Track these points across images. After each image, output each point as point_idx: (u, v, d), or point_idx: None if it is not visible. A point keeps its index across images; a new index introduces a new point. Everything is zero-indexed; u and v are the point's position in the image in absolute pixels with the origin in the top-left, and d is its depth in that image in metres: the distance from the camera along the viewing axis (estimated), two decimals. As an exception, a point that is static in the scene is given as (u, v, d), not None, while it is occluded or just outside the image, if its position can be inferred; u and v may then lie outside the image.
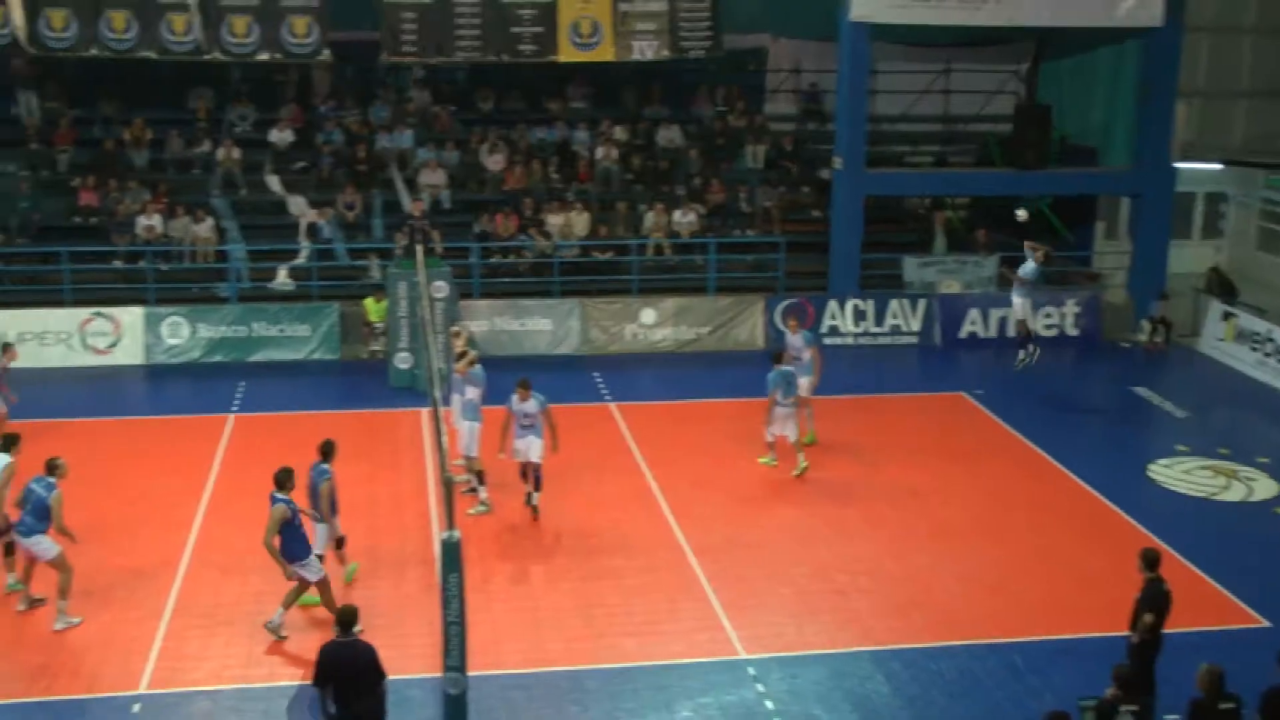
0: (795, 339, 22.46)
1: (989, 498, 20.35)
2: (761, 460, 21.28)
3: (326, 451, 16.59)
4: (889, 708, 14.57)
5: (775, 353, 21.68)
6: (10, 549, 16.69)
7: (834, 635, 16.07)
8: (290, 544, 15.49)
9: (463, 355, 20.05)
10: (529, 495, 19.28)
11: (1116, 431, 23.96)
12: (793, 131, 33.76)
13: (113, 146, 30.27)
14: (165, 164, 30.60)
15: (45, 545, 15.95)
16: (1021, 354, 24.64)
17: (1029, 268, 23.82)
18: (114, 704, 14.44)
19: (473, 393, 19.68)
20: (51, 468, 16.27)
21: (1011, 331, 27.27)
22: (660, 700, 14.62)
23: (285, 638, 15.75)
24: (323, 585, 15.83)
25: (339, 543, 16.95)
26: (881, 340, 28.78)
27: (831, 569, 17.74)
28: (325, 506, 16.40)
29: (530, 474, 19.30)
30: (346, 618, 12.75)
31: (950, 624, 16.31)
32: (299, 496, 15.86)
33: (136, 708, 14.37)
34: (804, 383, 21.71)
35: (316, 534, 16.34)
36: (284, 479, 15.56)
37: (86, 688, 14.73)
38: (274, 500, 15.41)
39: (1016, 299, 24.41)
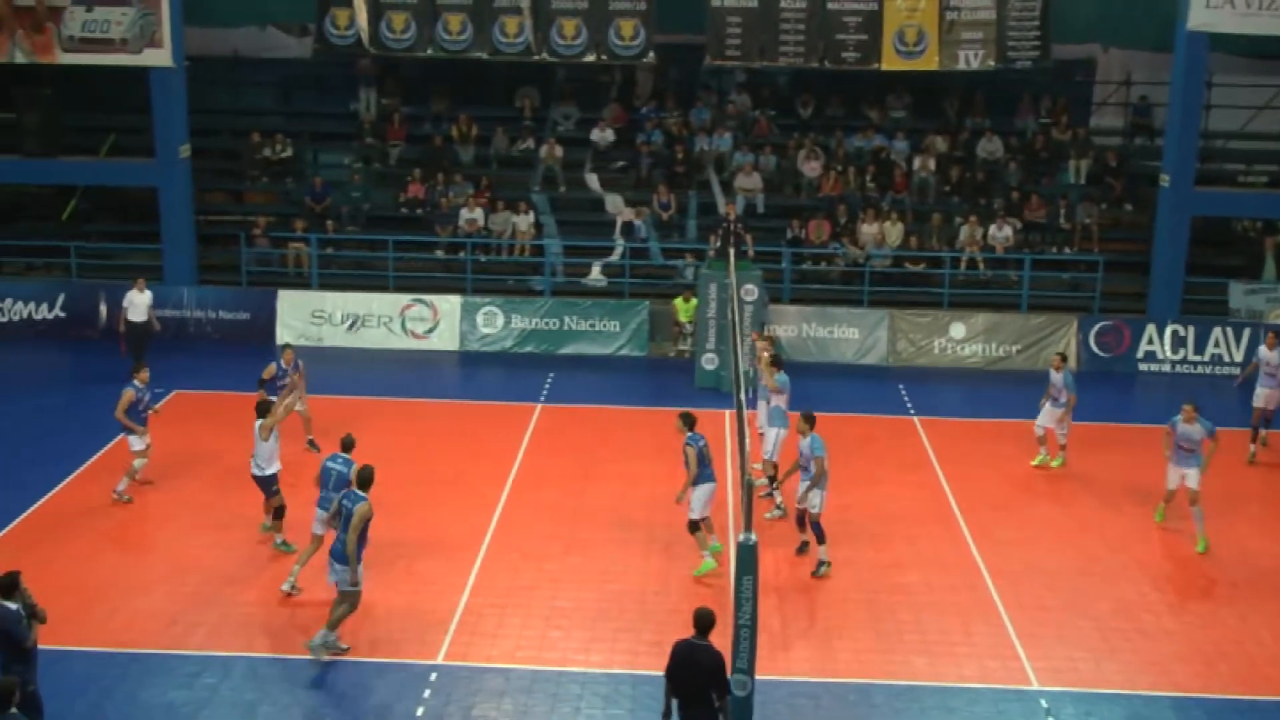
0: (1057, 377, 21.74)
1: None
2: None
3: (364, 481, 15.54)
4: (1190, 755, 13.95)
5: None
6: (281, 512, 17.89)
7: (1134, 676, 15.43)
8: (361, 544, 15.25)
9: (768, 361, 20.10)
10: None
11: None
12: (1119, 146, 32.58)
13: (441, 142, 31.54)
14: (489, 160, 31.70)
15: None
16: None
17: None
18: (413, 671, 15.07)
19: (779, 399, 19.74)
20: (347, 445, 16.75)
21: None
22: (947, 723, 14.36)
23: (346, 649, 15.44)
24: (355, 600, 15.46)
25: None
26: (1201, 370, 27.48)
27: (1136, 608, 17.03)
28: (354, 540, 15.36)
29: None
30: (703, 621, 12.55)
31: (1260, 678, 15.45)
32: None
33: (433, 677, 14.95)
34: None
35: None
36: (368, 478, 15.36)
37: (388, 652, 15.39)
38: (359, 499, 15.13)
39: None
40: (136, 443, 19.73)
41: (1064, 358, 22.19)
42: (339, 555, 15.11)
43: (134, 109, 29.56)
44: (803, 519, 17.90)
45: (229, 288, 28.82)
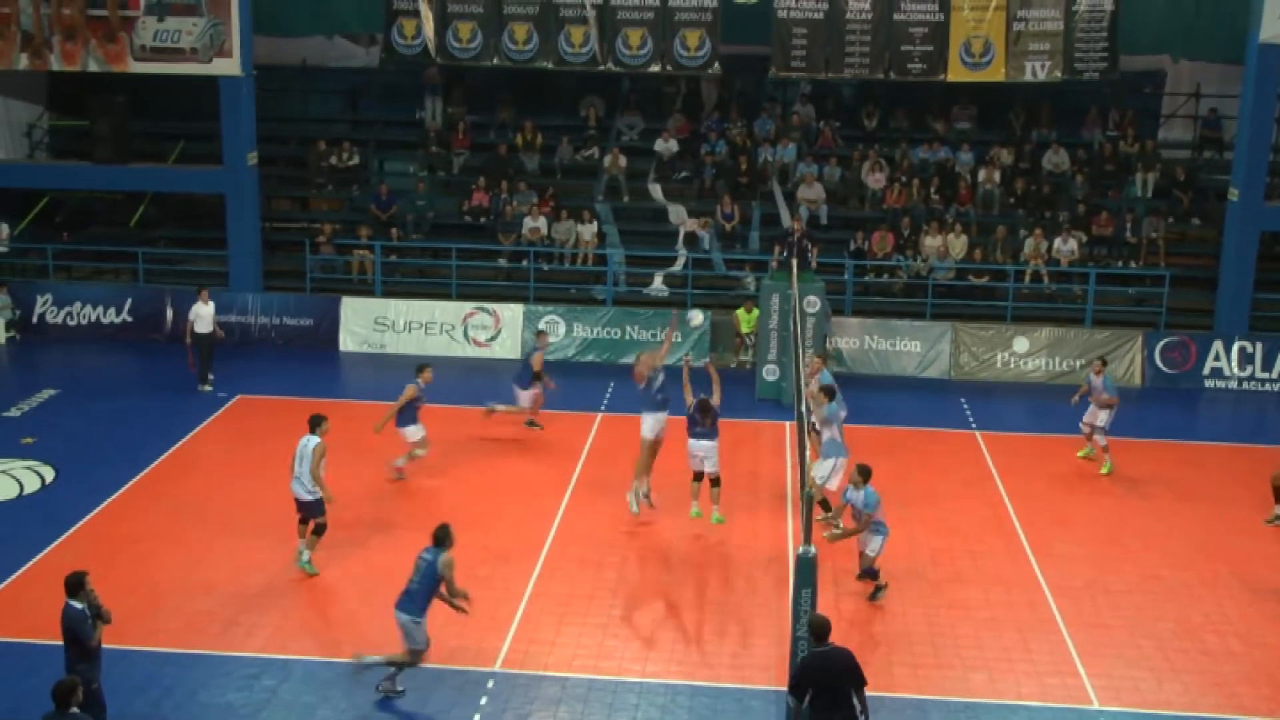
0: (1097, 381, 22.13)
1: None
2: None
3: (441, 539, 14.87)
4: (1251, 778, 13.76)
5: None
6: (322, 530, 17.65)
7: (1196, 698, 15.21)
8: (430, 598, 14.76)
9: (816, 391, 19.62)
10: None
11: None
12: (1187, 160, 32.23)
13: (505, 151, 31.70)
14: (554, 169, 31.82)
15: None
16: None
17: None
18: (470, 677, 15.14)
19: (829, 430, 19.39)
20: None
21: None
22: (1006, 740, 14.25)
23: (402, 691, 14.90)
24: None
25: None
26: (1269, 387, 27.10)
27: (1200, 628, 16.80)
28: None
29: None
30: (820, 628, 12.66)
31: (1328, 699, 15.20)
32: None
33: (490, 684, 15.00)
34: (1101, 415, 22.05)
35: None
36: (445, 535, 14.72)
37: (446, 659, 15.43)
38: (439, 552, 14.55)
39: None
40: (414, 433, 20.56)
41: (1104, 362, 22.61)
42: (410, 609, 14.54)
43: (203, 117, 29.91)
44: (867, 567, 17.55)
45: (293, 294, 29.08)
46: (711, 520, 19.27)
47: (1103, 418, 21.95)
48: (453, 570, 14.55)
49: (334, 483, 17.92)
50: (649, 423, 19.63)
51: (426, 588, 14.54)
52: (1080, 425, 22.37)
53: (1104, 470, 21.85)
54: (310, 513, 17.60)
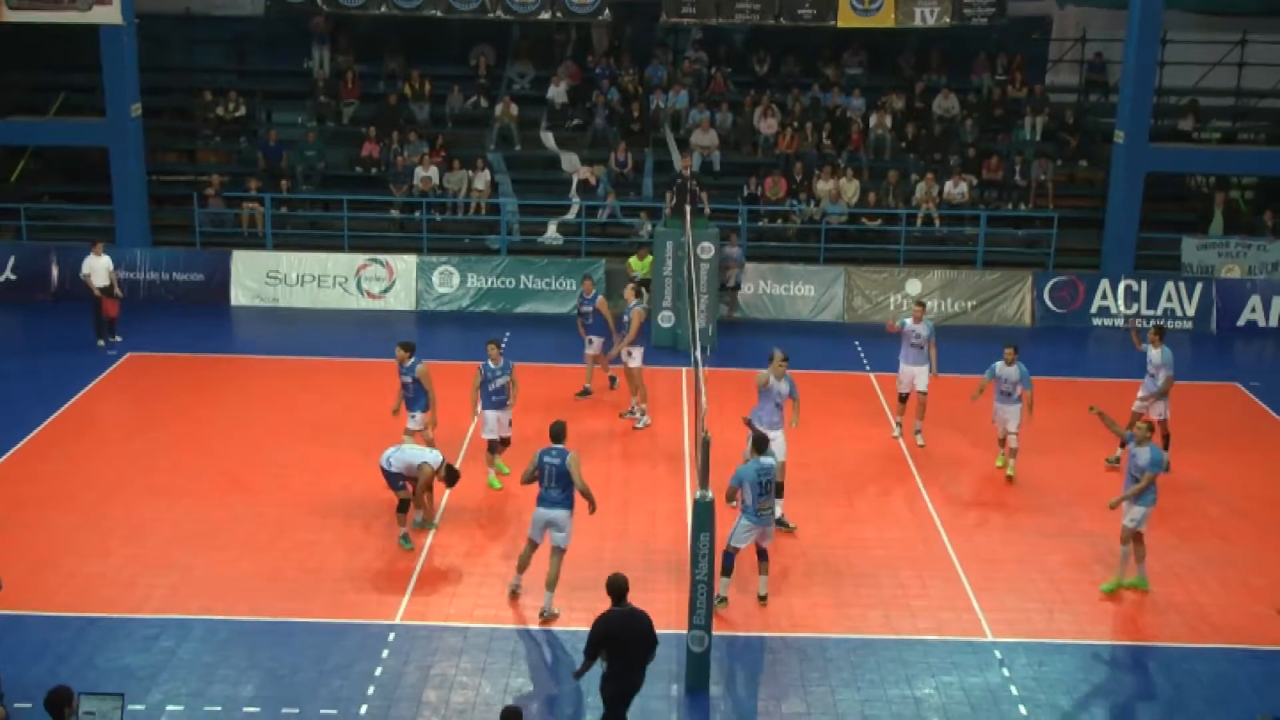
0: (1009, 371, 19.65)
1: (1261, 496, 19.41)
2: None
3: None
4: (1138, 705, 14.14)
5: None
6: (405, 506, 17.09)
7: (1086, 627, 15.64)
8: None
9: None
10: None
11: None
12: (1074, 103, 32.72)
13: (395, 100, 31.34)
14: (444, 118, 31.53)
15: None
16: None
17: None
18: (370, 631, 15.09)
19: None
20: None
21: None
22: (902, 675, 14.50)
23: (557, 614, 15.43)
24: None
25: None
26: (1154, 324, 27.66)
27: (1088, 560, 17.22)
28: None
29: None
30: (618, 589, 12.65)
31: (1210, 625, 15.67)
32: None
33: (391, 637, 14.98)
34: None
35: None
36: (560, 431, 15.33)
37: (346, 613, 15.42)
38: (566, 452, 15.14)
39: None
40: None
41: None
42: (559, 517, 15.19)
43: (84, 68, 29.23)
44: None
45: (183, 249, 28.58)
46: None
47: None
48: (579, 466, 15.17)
49: (234, 431, 17.72)
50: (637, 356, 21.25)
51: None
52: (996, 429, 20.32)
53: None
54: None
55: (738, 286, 27.44)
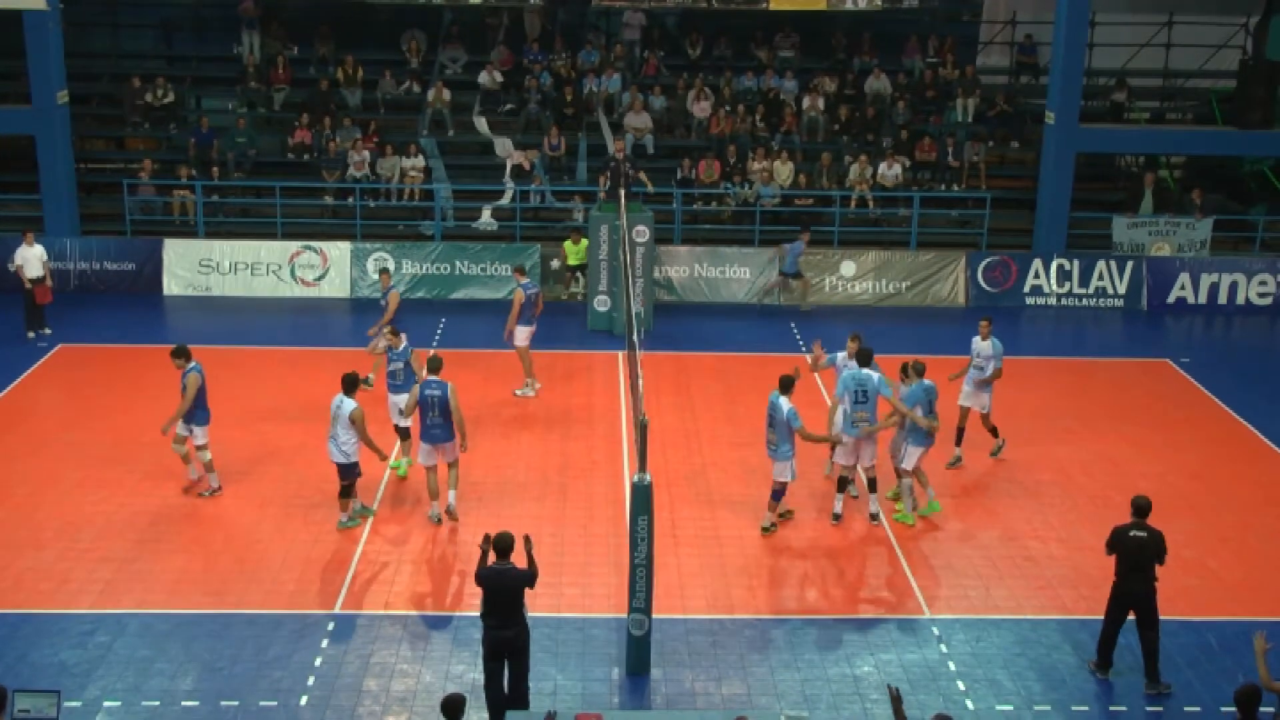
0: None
1: (1190, 471, 19.72)
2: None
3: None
4: (1075, 678, 14.32)
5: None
6: (348, 492, 17.20)
7: (1021, 601, 15.84)
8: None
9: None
10: None
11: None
12: (1005, 85, 32.99)
13: (327, 86, 31.08)
14: (376, 104, 31.32)
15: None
16: None
17: None
18: (309, 620, 15.02)
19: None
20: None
21: (1222, 298, 26.98)
22: (842, 654, 14.61)
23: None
24: None
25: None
26: (1086, 302, 28.06)
27: (1023, 535, 17.45)
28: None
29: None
30: (502, 545, 12.72)
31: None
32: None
33: (331, 626, 14.92)
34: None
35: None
36: (438, 364, 17.00)
37: (285, 604, 15.34)
38: (445, 384, 16.75)
39: None
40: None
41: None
42: (444, 435, 16.82)
43: (7, 53, 28.76)
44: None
45: (113, 237, 28.20)
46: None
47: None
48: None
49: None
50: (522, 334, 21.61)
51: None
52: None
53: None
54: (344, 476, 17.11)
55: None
